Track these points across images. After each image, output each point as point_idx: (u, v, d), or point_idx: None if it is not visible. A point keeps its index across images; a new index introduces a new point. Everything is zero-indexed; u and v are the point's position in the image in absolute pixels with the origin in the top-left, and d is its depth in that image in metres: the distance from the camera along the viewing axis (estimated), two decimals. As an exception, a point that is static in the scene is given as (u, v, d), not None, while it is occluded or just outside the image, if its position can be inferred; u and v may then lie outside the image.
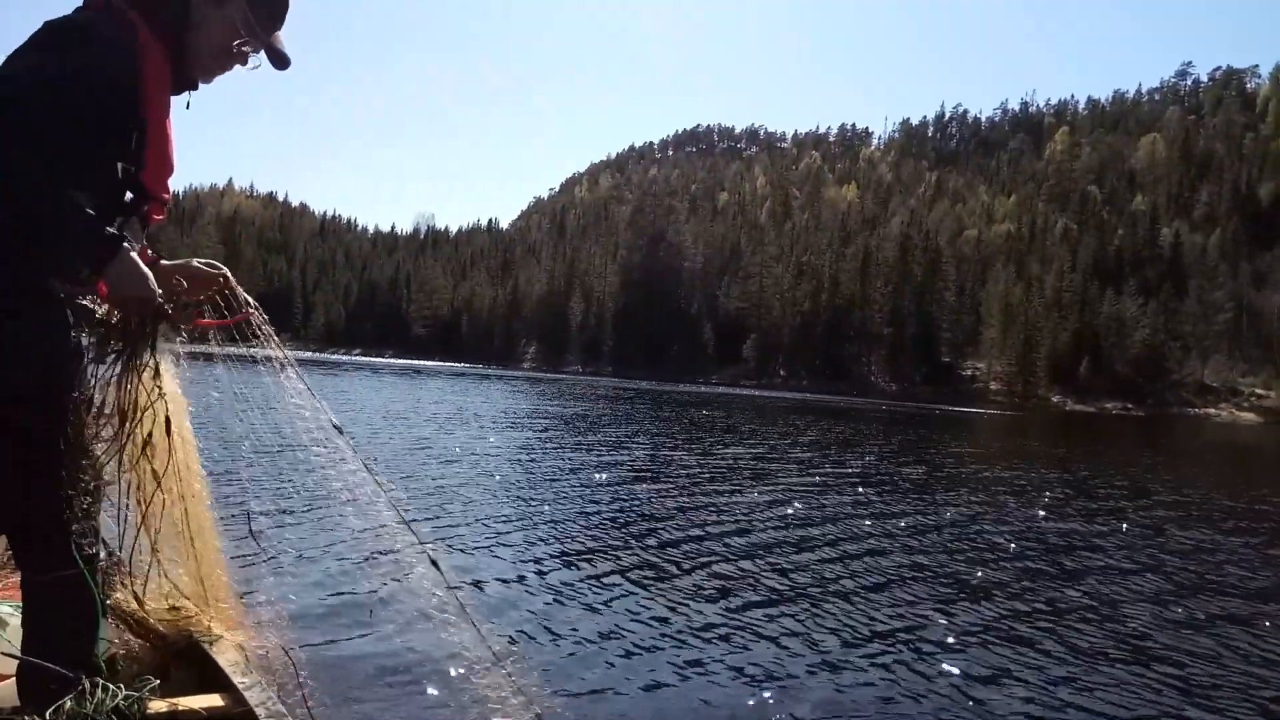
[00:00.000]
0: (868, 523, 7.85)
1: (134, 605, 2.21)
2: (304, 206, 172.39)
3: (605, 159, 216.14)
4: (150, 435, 2.07)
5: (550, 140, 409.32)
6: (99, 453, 1.96)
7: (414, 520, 5.00)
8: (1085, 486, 12.79)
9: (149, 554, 2.16)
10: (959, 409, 58.63)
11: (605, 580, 5.22)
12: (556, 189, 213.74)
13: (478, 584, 4.86)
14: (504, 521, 6.81)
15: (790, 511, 8.23)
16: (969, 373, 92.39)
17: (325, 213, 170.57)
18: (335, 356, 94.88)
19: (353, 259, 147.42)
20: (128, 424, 2.01)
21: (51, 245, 1.62)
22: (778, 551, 6.40)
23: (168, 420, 2.07)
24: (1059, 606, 5.33)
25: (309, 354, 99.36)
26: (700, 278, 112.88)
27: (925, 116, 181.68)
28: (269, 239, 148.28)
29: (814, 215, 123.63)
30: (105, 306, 1.92)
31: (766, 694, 3.53)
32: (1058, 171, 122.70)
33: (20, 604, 2.02)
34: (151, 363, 2.01)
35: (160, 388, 2.03)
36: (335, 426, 2.31)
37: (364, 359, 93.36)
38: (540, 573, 5.26)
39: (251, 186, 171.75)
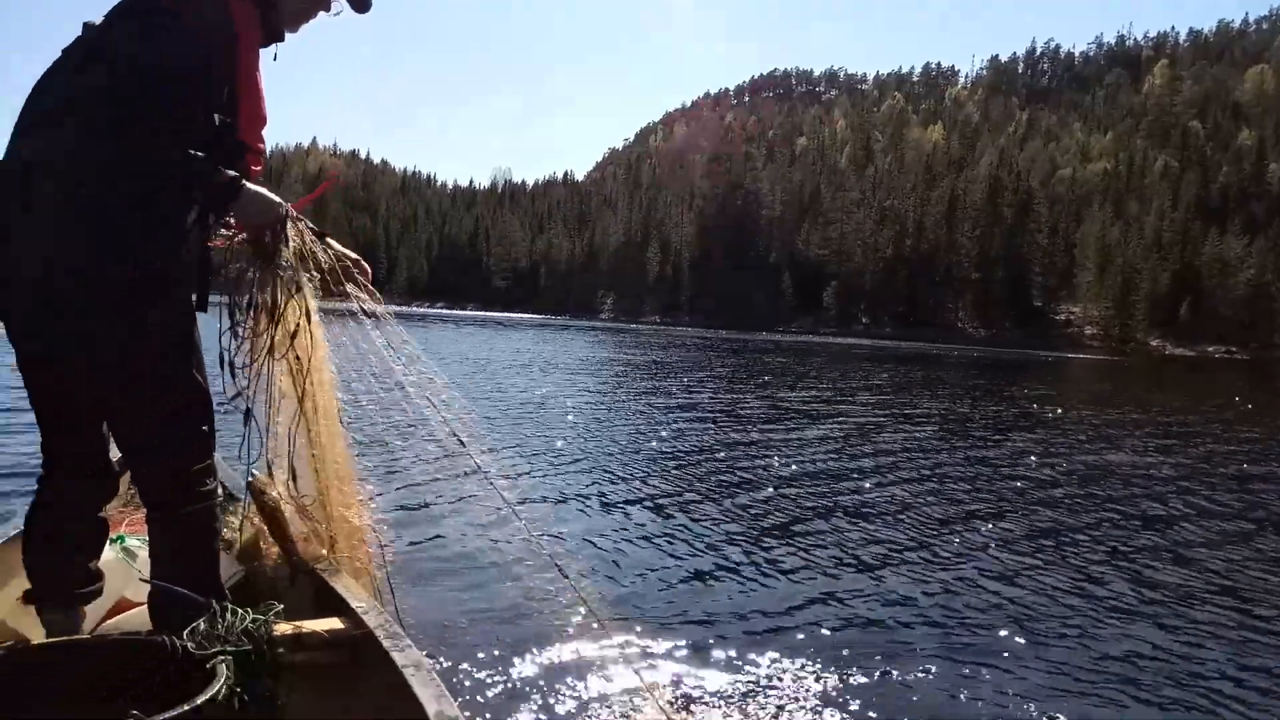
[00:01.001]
0: (936, 465, 7.68)
1: (256, 533, 2.37)
2: (385, 164, 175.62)
3: (680, 107, 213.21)
4: (294, 336, 2.19)
5: (624, 90, 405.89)
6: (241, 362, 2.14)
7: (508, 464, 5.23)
8: (1181, 431, 12.22)
9: (277, 484, 2.31)
10: (1051, 353, 56.73)
11: (680, 512, 5.36)
12: (631, 139, 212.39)
13: (542, 499, 5.01)
14: (589, 463, 6.92)
15: (858, 451, 8.20)
16: (1063, 317, 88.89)
17: (406, 169, 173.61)
18: (419, 310, 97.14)
19: (433, 214, 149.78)
20: (274, 323, 2.15)
21: (191, 205, 1.79)
22: (845, 490, 6.39)
23: (308, 312, 2.18)
24: (1143, 550, 5.14)
25: (395, 307, 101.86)
26: (779, 225, 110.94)
27: (1015, 53, 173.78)
28: (354, 197, 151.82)
29: (897, 158, 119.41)
30: (240, 236, 2.10)
31: (825, 619, 3.58)
32: (1157, 106, 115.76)
33: (146, 537, 2.12)
34: (287, 263, 2.12)
35: (299, 283, 2.14)
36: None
37: (446, 311, 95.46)
38: (626, 514, 5.34)
39: (335, 145, 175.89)
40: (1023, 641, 3.46)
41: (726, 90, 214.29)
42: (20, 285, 1.68)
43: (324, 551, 2.29)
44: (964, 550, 4.84)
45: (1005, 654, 3.33)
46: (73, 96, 1.70)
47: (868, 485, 6.63)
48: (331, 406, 2.30)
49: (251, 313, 2.15)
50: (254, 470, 2.28)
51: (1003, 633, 3.56)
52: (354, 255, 2.29)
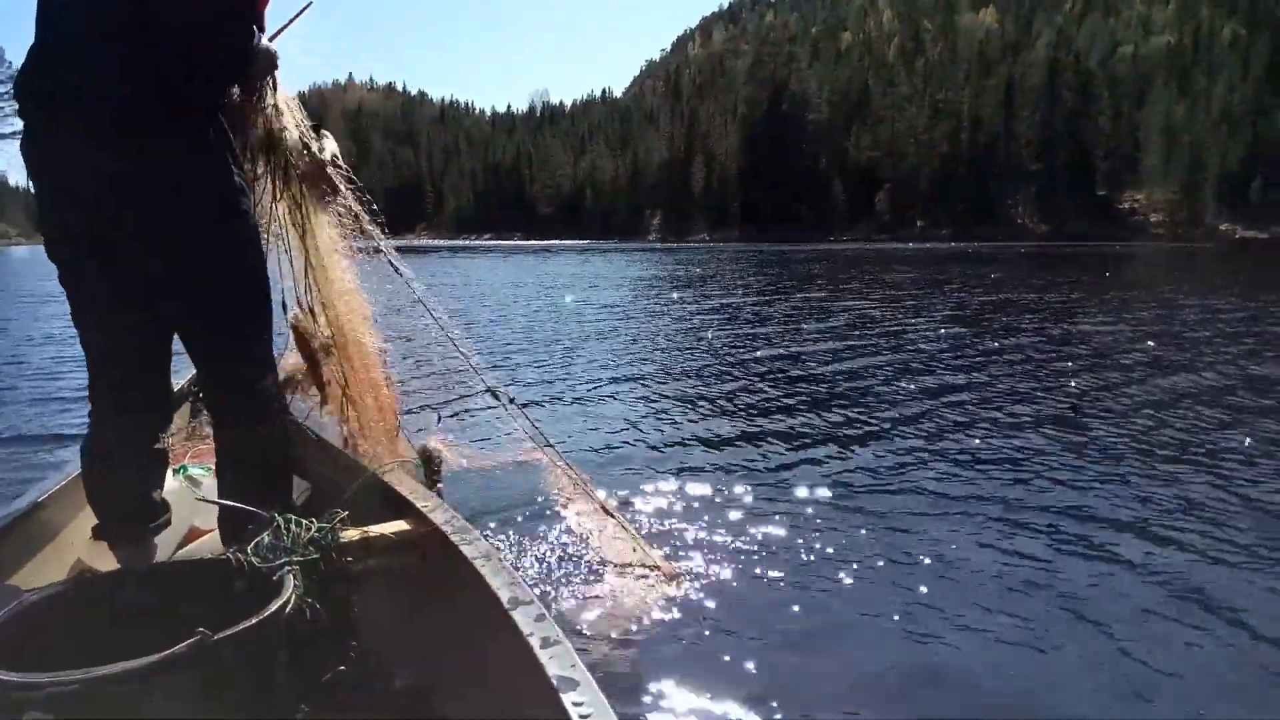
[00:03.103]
0: (982, 370, 7.51)
1: (319, 440, 2.56)
2: (422, 94, 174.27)
3: (717, 10, 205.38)
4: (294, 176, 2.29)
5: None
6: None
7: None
8: (1247, 320, 11.49)
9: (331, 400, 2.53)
10: (1117, 244, 54.60)
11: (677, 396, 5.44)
12: (668, 49, 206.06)
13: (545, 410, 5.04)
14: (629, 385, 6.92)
15: (907, 357, 8.22)
16: (1128, 205, 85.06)
17: (443, 98, 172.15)
18: (467, 242, 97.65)
19: (474, 143, 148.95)
20: (272, 161, 2.25)
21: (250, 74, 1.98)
22: (892, 398, 6.33)
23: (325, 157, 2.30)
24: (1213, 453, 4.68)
25: (444, 241, 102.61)
26: (827, 129, 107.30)
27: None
28: (394, 130, 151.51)
29: (948, 47, 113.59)
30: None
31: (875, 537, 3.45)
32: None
33: (209, 465, 2.19)
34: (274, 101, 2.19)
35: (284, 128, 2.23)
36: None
37: (494, 243, 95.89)
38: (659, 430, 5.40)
39: (371, 79, 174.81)
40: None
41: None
42: (112, 150, 1.65)
43: (383, 454, 2.38)
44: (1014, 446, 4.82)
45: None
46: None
47: (919, 386, 6.71)
48: (356, 302, 2.42)
49: (249, 154, 2.18)
50: (297, 310, 2.43)
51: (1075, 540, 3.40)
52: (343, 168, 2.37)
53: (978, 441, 4.89)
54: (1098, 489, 3.98)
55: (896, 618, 2.66)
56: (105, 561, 1.90)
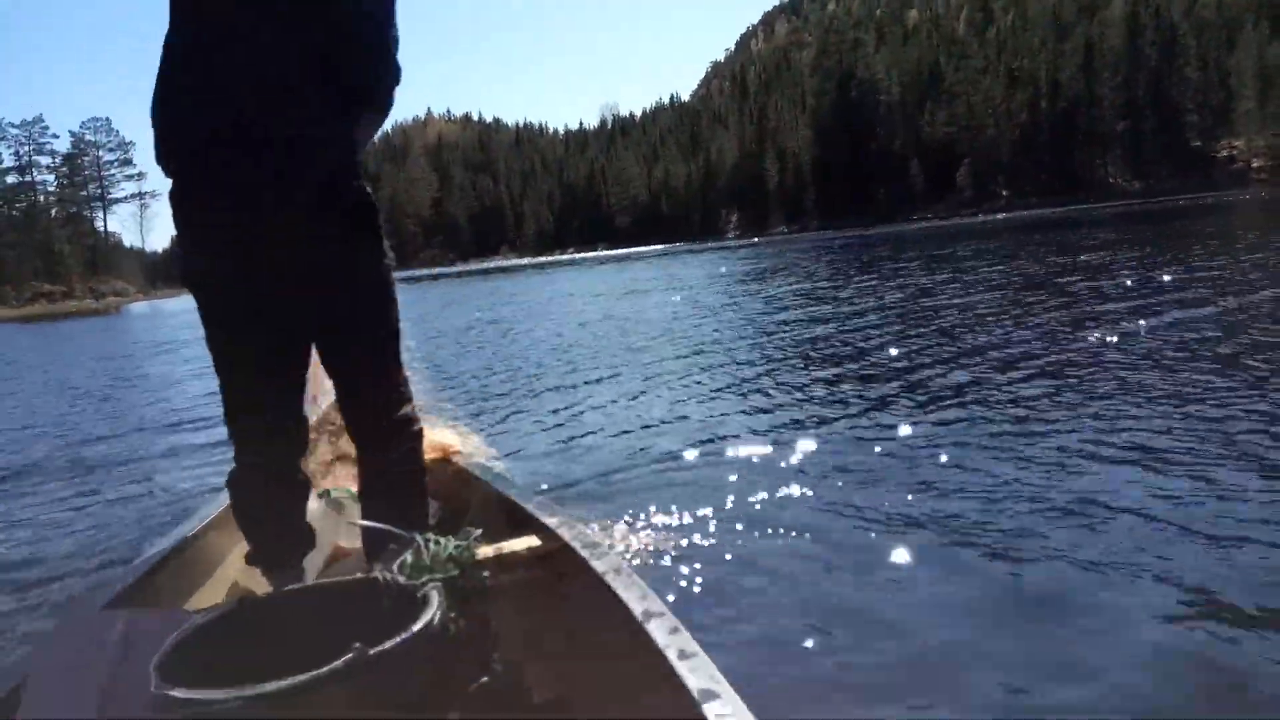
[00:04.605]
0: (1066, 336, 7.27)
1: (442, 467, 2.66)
2: (498, 121, 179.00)
3: (778, 3, 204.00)
4: None
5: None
6: None
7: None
8: None
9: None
10: (1215, 195, 51.65)
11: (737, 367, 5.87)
12: (732, 48, 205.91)
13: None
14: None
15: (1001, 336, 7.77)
16: (1224, 154, 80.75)
17: (518, 122, 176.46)
18: (549, 259, 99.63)
19: (549, 164, 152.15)
20: None
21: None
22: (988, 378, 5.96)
23: None
24: None
25: (526, 260, 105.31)
26: (900, 110, 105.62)
27: None
28: (473, 159, 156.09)
29: (1020, 14, 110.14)
30: None
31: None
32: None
33: (350, 489, 2.33)
34: None
35: None
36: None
37: (576, 256, 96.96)
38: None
39: (448, 111, 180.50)
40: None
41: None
42: (278, 192, 1.75)
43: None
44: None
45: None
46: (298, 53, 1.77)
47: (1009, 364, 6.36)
48: None
49: None
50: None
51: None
52: None
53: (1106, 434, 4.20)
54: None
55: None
56: (259, 585, 1.99)
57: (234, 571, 2.28)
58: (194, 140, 1.74)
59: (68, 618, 2.04)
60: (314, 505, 2.27)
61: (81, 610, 1.98)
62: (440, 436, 2.75)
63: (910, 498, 3.54)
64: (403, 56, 1.94)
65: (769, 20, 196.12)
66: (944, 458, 4.05)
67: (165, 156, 1.78)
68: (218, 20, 1.75)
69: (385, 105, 1.97)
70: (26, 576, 3.69)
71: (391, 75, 1.93)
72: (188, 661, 1.22)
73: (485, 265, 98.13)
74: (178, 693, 1.11)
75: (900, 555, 2.97)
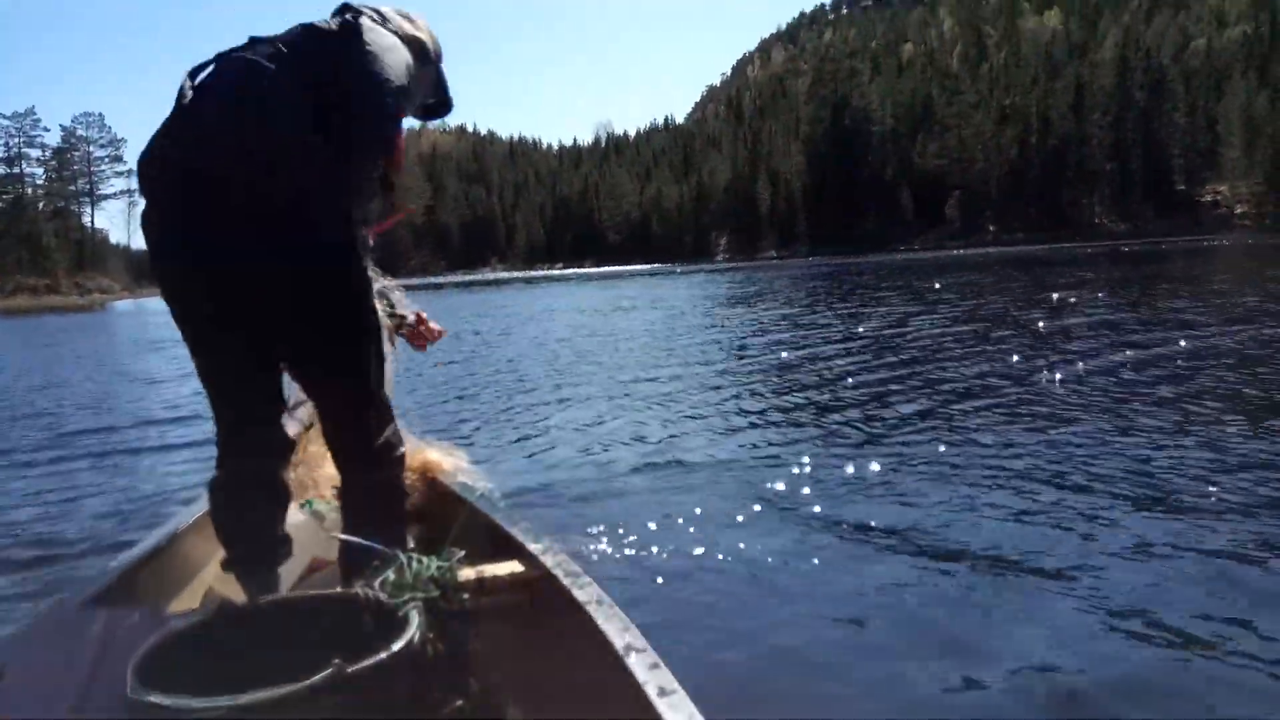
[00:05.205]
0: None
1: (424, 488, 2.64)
2: (492, 134, 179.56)
3: (775, 31, 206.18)
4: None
5: (719, 20, 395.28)
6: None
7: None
8: None
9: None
10: (1198, 239, 52.54)
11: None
12: (728, 73, 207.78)
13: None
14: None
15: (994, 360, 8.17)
16: (1209, 199, 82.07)
17: (512, 135, 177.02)
18: (538, 272, 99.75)
19: (543, 177, 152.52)
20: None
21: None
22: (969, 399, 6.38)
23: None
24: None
25: (516, 273, 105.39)
26: (892, 140, 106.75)
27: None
28: (467, 170, 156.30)
29: (1012, 52, 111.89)
30: None
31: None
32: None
33: (333, 503, 2.34)
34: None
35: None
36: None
37: (565, 271, 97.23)
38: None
39: (443, 122, 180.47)
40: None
41: (823, 5, 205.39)
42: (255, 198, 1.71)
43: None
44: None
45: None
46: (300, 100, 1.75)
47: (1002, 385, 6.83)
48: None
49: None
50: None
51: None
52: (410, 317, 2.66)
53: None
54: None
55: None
56: (234, 591, 1.99)
57: (210, 578, 2.27)
58: (171, 169, 1.75)
59: (44, 613, 2.06)
60: (294, 515, 2.26)
61: (58, 607, 1.97)
62: (425, 454, 2.74)
63: (893, 519, 3.64)
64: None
65: (766, 47, 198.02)
66: (911, 482, 4.22)
67: (140, 179, 1.80)
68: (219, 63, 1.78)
69: (368, 145, 1.89)
70: (-1, 569, 3.64)
71: (375, 123, 1.87)
72: (165, 666, 1.20)
73: (471, 278, 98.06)
74: (155, 698, 1.10)
75: (882, 578, 3.03)
